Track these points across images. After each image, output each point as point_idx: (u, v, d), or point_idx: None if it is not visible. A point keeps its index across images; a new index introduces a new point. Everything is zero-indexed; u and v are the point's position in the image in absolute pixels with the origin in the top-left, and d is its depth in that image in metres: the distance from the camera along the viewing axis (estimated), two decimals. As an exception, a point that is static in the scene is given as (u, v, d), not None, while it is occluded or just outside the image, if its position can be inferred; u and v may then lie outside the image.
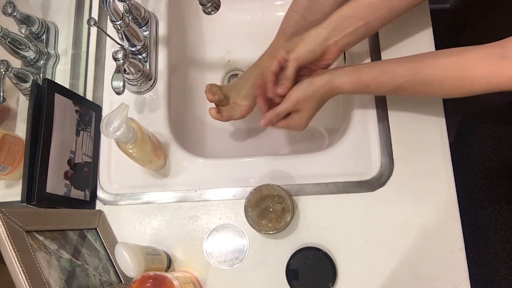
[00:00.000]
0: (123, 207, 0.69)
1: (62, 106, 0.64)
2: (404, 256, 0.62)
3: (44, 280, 0.51)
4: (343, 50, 0.60)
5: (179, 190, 0.69)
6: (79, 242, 0.61)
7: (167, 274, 0.56)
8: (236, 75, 0.89)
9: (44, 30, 0.79)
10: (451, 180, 0.64)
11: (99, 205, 0.70)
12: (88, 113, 0.71)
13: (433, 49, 0.69)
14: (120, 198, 0.70)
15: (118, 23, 0.66)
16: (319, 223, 0.65)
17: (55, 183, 0.62)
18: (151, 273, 0.54)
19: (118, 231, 0.68)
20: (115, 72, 0.64)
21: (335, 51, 0.59)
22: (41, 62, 0.77)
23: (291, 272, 0.62)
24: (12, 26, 0.72)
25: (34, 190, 0.59)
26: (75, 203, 0.66)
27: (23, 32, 0.72)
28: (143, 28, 0.76)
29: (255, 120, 0.72)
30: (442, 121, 0.66)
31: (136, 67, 0.70)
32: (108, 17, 0.66)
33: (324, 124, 0.81)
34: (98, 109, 0.74)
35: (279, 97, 0.63)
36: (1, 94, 0.65)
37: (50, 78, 0.76)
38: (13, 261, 0.49)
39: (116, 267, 0.64)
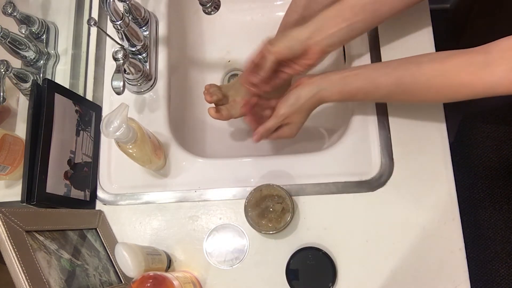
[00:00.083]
0: (123, 207, 0.69)
1: (62, 106, 0.64)
2: (404, 256, 0.62)
3: (44, 280, 0.51)
4: (326, 52, 0.60)
5: (179, 190, 0.69)
6: (79, 242, 0.61)
7: (167, 274, 0.56)
8: (236, 75, 0.89)
9: (44, 30, 0.79)
10: (451, 180, 0.64)
11: (99, 205, 0.70)
12: (88, 113, 0.71)
13: (433, 49, 0.69)
14: (120, 198, 0.70)
15: (118, 23, 0.66)
16: (319, 223, 0.65)
17: (55, 183, 0.62)
18: (151, 273, 0.54)
19: (118, 231, 0.68)
20: (115, 72, 0.64)
21: (317, 51, 0.59)
22: (41, 62, 0.77)
23: (291, 272, 0.62)
24: (12, 26, 0.72)
25: (34, 190, 0.59)
26: (75, 203, 0.66)
27: (23, 32, 0.72)
28: (143, 28, 0.76)
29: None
30: (442, 121, 0.66)
31: (136, 67, 0.70)
32: (108, 17, 0.66)
33: (324, 124, 0.81)
34: (98, 109, 0.74)
35: (268, 109, 0.65)
36: (1, 94, 0.65)
37: (50, 78, 0.76)
38: (13, 261, 0.49)
39: (116, 267, 0.64)
